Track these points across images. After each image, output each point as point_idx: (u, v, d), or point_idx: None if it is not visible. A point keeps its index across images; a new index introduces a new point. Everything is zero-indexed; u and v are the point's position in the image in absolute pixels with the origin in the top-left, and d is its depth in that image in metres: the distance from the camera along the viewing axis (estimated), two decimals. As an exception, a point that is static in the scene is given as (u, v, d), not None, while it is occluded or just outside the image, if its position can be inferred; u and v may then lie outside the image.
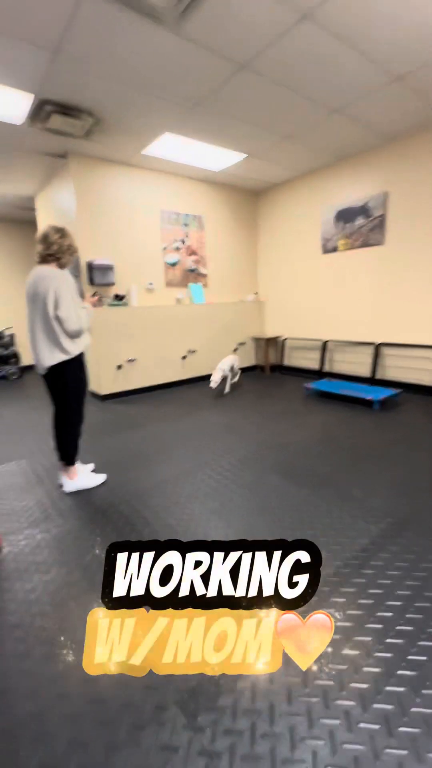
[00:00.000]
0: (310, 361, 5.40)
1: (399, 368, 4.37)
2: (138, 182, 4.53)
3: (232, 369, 4.59)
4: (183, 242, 5.03)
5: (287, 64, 2.65)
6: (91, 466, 2.60)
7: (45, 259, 2.12)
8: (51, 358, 2.10)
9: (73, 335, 2.13)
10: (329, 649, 1.23)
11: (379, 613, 1.36)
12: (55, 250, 2.10)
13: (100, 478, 2.43)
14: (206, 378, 5.31)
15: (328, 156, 4.39)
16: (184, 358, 5.07)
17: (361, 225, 4.45)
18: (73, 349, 2.15)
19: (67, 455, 2.31)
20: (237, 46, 2.45)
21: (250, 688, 1.12)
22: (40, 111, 3.12)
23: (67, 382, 2.18)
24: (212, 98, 3.06)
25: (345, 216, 4.60)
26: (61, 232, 2.12)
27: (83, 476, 2.38)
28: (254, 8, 2.13)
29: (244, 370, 5.82)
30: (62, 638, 1.32)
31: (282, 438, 3.09)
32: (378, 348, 4.52)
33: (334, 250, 4.79)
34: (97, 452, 2.95)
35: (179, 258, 5.03)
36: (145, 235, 4.68)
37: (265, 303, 5.98)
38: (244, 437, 3.14)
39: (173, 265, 4.99)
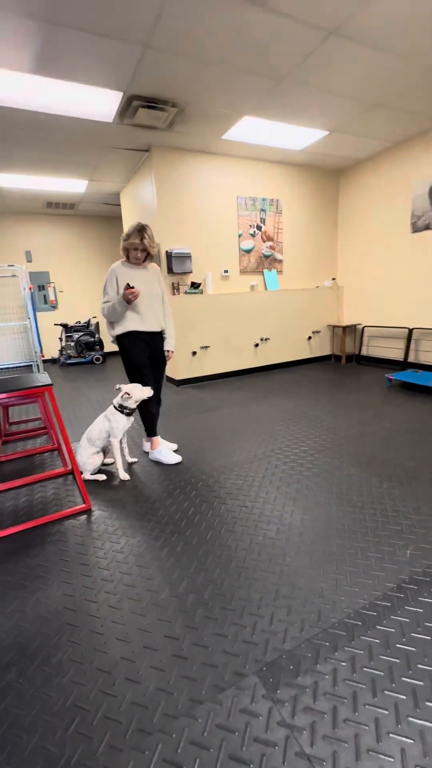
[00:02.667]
0: (392, 351, 5.01)
1: None
2: (215, 169, 4.55)
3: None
4: (259, 228, 4.96)
5: (381, 24, 2.42)
6: (174, 446, 2.75)
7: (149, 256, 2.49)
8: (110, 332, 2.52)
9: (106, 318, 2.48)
10: (416, 649, 1.15)
11: None
12: (122, 246, 2.46)
13: (176, 458, 2.56)
14: (279, 367, 5.23)
15: (423, 121, 3.95)
16: (256, 345, 5.05)
17: (461, 197, 3.95)
18: (113, 331, 2.49)
19: (146, 427, 2.58)
20: (326, 12, 2.30)
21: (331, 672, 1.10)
22: (129, 107, 3.28)
23: (121, 355, 2.52)
24: (296, 72, 2.92)
25: (441, 188, 4.12)
26: (129, 229, 2.38)
27: (164, 450, 2.58)
28: (350, -37, 1.97)
29: (318, 359, 5.62)
30: (148, 596, 1.42)
31: (360, 428, 2.92)
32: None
33: (427, 227, 4.34)
34: (173, 431, 3.09)
35: (254, 244, 4.98)
36: (221, 222, 4.70)
37: (343, 288, 5.66)
38: (319, 425, 3.03)
39: (248, 251, 4.96)
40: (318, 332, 5.56)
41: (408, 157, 4.43)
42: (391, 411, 3.30)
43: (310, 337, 5.49)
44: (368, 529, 1.74)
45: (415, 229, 4.47)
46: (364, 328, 5.40)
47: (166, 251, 4.39)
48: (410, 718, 0.97)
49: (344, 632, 1.22)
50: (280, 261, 5.22)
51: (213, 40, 2.51)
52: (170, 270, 4.41)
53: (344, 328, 5.35)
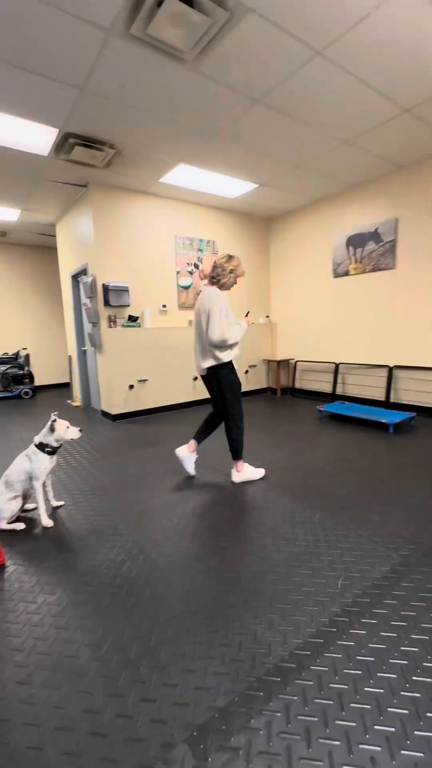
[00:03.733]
0: (322, 384, 5.35)
1: (413, 392, 4.28)
2: (154, 209, 4.70)
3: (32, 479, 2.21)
4: (196, 266, 5.15)
5: (299, 98, 2.77)
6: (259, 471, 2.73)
7: (210, 280, 2.56)
8: (204, 362, 2.53)
9: (216, 345, 2.44)
10: (348, 686, 1.13)
11: (403, 648, 1.26)
12: (218, 273, 2.51)
13: (261, 472, 2.70)
14: (217, 399, 5.29)
15: (339, 183, 4.52)
16: (195, 379, 5.08)
17: (372, 250, 4.50)
18: (224, 357, 2.48)
19: (235, 450, 2.63)
20: (251, 82, 2.58)
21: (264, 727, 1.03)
22: (65, 143, 3.31)
23: (221, 382, 2.53)
24: (227, 131, 3.20)
25: (356, 241, 4.67)
26: (228, 256, 2.53)
27: (248, 469, 2.68)
28: (268, 47, 2.26)
29: (255, 392, 5.80)
30: (65, 664, 1.25)
31: (294, 459, 3.01)
32: (391, 371, 4.46)
33: (346, 274, 4.84)
34: (105, 471, 2.91)
35: (192, 281, 5.13)
36: (160, 259, 4.81)
37: (276, 326, 6.02)
38: (256, 457, 3.07)
39: (186, 288, 5.09)
40: (254, 366, 5.78)
41: (328, 212, 4.99)
42: (322, 441, 3.46)
43: (247, 371, 5.68)
44: (302, 562, 1.74)
45: (336, 274, 4.96)
46: (296, 362, 5.73)
47: (103, 284, 4.34)
48: (344, 767, 0.94)
49: (279, 678, 1.17)
50: (217, 298, 5.42)
51: (148, 94, 2.66)
52: (107, 303, 4.34)
53: (278, 362, 5.63)
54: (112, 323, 4.42)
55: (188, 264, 5.07)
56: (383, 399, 4.55)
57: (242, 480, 2.64)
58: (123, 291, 4.40)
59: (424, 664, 1.20)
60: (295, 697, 1.11)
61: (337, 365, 5.09)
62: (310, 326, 5.45)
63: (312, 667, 1.20)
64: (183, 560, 1.78)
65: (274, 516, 2.15)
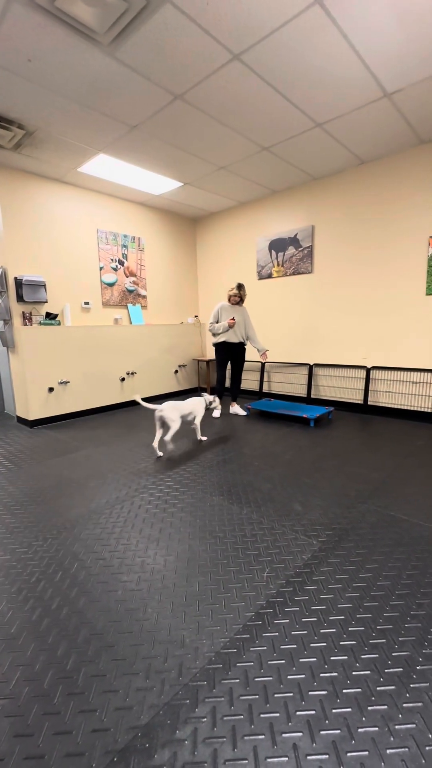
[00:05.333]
0: (250, 383, 5.52)
1: (331, 387, 4.62)
2: (73, 200, 4.42)
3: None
4: (121, 263, 4.96)
5: (220, 99, 2.80)
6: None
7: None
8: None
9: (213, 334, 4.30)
10: (272, 677, 1.15)
11: (322, 630, 1.33)
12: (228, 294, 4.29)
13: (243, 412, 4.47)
14: (147, 401, 5.15)
15: (261, 189, 4.69)
16: (122, 380, 4.89)
17: (292, 254, 4.76)
18: (215, 339, 4.31)
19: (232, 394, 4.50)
20: (171, 76, 2.54)
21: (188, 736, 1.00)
22: (-37, 117, 2.93)
23: (215, 354, 4.39)
24: (148, 124, 3.12)
25: (277, 246, 4.89)
26: (235, 285, 4.27)
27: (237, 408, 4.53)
28: (186, 43, 2.24)
29: (186, 392, 5.77)
30: None
31: (223, 456, 3.04)
32: (312, 369, 4.76)
33: (269, 276, 5.05)
34: (22, 482, 2.65)
35: (117, 278, 4.93)
36: (80, 253, 4.53)
37: (205, 325, 6.06)
38: (185, 458, 3.04)
39: (111, 285, 4.87)
40: (184, 366, 5.75)
41: (251, 215, 5.16)
42: (250, 437, 3.55)
43: (176, 371, 5.63)
44: (229, 558, 1.75)
45: (260, 277, 5.16)
46: (225, 362, 5.83)
47: (15, 278, 3.95)
48: (268, 759, 0.94)
49: (205, 681, 1.15)
50: (144, 296, 5.29)
51: (60, 73, 2.47)
52: (20, 298, 3.96)
53: (207, 362, 5.67)
54: (27, 321, 4.05)
55: (112, 260, 4.85)
56: (305, 395, 4.84)
57: (233, 412, 4.47)
58: (39, 285, 4.06)
59: (341, 643, 1.27)
60: (222, 698, 1.10)
61: (263, 364, 5.28)
62: (238, 326, 5.58)
63: (238, 664, 1.20)
64: (106, 571, 1.67)
65: (203, 515, 2.14)
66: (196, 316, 6.05)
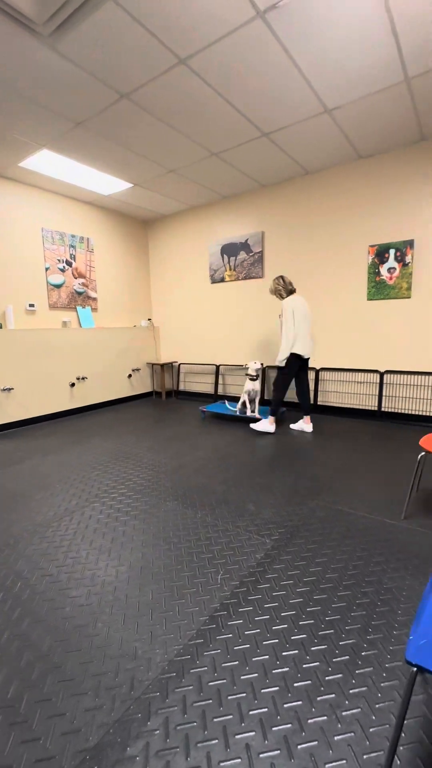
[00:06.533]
0: (206, 386, 5.54)
1: (283, 389, 4.76)
2: (14, 196, 4.18)
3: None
4: (69, 264, 4.77)
5: (168, 102, 2.80)
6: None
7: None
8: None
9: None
10: (226, 680, 1.15)
11: (275, 627, 1.35)
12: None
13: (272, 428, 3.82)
14: (100, 406, 4.99)
15: (212, 193, 4.74)
16: (72, 385, 4.69)
17: (243, 259, 4.85)
18: (288, 351, 3.67)
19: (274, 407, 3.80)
20: (117, 75, 2.49)
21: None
22: None
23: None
24: (95, 122, 3.03)
25: (229, 250, 4.97)
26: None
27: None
28: (132, 43, 2.21)
29: (140, 396, 5.66)
30: None
31: (178, 460, 3.02)
32: (264, 371, 4.88)
33: (222, 280, 5.11)
34: (-42, 499, 2.44)
35: (65, 279, 4.73)
36: (23, 252, 4.29)
37: (159, 329, 5.99)
38: (138, 464, 2.97)
39: (58, 286, 4.66)
40: (138, 370, 5.64)
41: (203, 219, 5.19)
42: (204, 440, 3.56)
43: (130, 375, 5.51)
44: (184, 563, 1.73)
45: (213, 280, 5.20)
46: (180, 365, 5.81)
47: None
48: (221, 764, 0.94)
49: (158, 692, 1.12)
50: (95, 299, 5.12)
51: (-4, 61, 2.33)
52: None
53: (162, 365, 5.62)
54: (-37, 323, 3.75)
55: (59, 261, 4.65)
56: (260, 397, 4.94)
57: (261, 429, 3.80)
58: (-23, 286, 3.78)
59: (292, 637, 1.31)
60: (175, 707, 1.08)
61: (217, 367, 5.33)
62: (192, 329, 5.59)
63: (192, 671, 1.19)
64: (53, 588, 1.58)
65: (157, 521, 2.10)
66: (149, 319, 5.97)
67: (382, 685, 1.13)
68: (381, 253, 3.86)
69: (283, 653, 1.24)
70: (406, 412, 3.96)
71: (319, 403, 4.50)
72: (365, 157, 3.81)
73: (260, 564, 1.71)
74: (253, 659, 1.22)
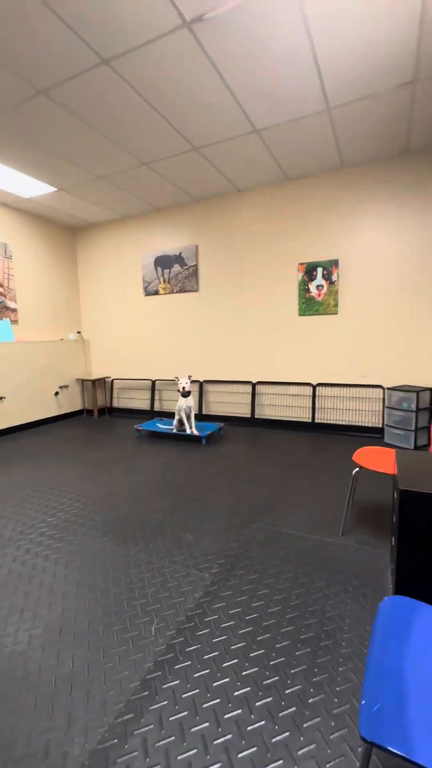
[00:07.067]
0: (142, 402, 5.30)
1: (221, 403, 4.72)
2: None
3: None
4: (-18, 270, 4.26)
5: (91, 103, 2.62)
6: None
7: None
8: None
9: None
10: (160, 764, 0.98)
11: (215, 684, 1.21)
12: None
13: None
14: (21, 428, 4.48)
15: (145, 204, 4.60)
16: (56, 394, 4.15)
17: (178, 272, 4.76)
18: None
19: None
20: (34, 69, 2.26)
21: None
22: None
23: None
24: (8, 116, 2.74)
25: (163, 263, 4.85)
26: None
27: None
28: (50, 37, 2.01)
29: (69, 415, 5.23)
30: None
31: (110, 488, 2.76)
32: (202, 385, 4.79)
33: (156, 293, 4.96)
34: None
35: (-23, 288, 4.22)
36: None
37: (89, 342, 5.63)
38: (64, 495, 2.66)
39: (-31, 295, 4.13)
40: (66, 387, 5.21)
41: (136, 230, 5.02)
42: (139, 463, 3.33)
43: (57, 393, 5.06)
44: (113, 615, 1.52)
45: (147, 293, 5.03)
46: (113, 380, 5.49)
47: None
48: None
49: (75, 800, 0.91)
50: (14, 310, 4.64)
51: None
52: None
53: (93, 381, 5.26)
54: None
55: (-30, 266, 4.14)
56: (197, 412, 4.83)
57: None
58: None
59: (235, 693, 1.17)
60: None
61: (153, 382, 5.13)
62: (126, 343, 5.33)
63: (119, 760, 1.00)
64: None
65: (83, 565, 1.85)
66: (79, 332, 5.58)
67: (331, 737, 1.04)
68: (310, 271, 4.02)
69: (225, 716, 1.10)
70: (338, 422, 4.12)
71: (256, 416, 4.51)
72: (293, 179, 3.96)
73: (199, 605, 1.56)
74: (192, 730, 1.07)
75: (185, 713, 1.11)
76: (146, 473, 3.07)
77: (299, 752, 1.00)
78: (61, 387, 5.12)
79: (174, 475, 3.00)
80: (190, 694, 1.17)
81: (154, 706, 1.14)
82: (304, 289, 4.08)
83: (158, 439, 4.11)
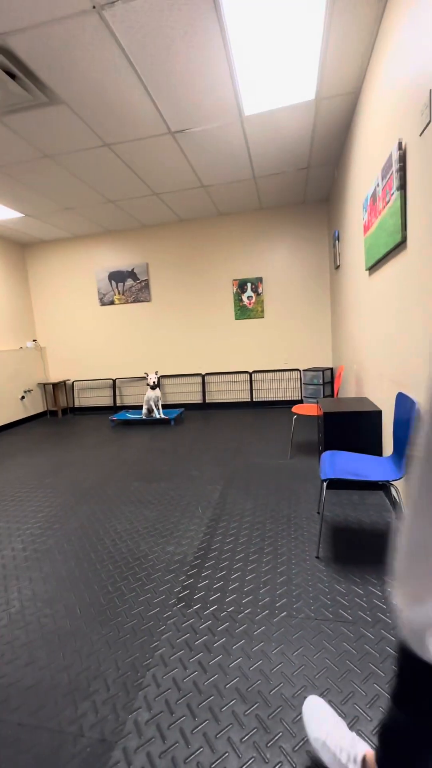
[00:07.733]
0: (103, 399, 5.97)
1: (176, 393, 5.70)
2: None
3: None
4: None
5: (82, 167, 3.39)
6: None
7: None
8: None
9: None
10: None
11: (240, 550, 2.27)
12: None
13: None
14: (-4, 431, 4.85)
15: (100, 228, 5.32)
16: (22, 398, 4.49)
17: (131, 285, 5.58)
18: None
19: None
20: (46, 142, 2.98)
21: None
22: None
23: None
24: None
25: (117, 277, 5.61)
26: None
27: None
28: (67, 130, 2.79)
29: (33, 417, 5.66)
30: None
31: (116, 461, 3.57)
32: (159, 379, 5.70)
33: (112, 303, 5.70)
34: None
35: None
36: None
37: (46, 349, 6.08)
38: (82, 469, 3.40)
39: None
40: (30, 391, 5.64)
41: (89, 248, 5.67)
42: (126, 443, 4.15)
43: (23, 397, 5.47)
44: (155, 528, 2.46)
45: (103, 303, 5.73)
46: (74, 382, 6.05)
47: None
48: None
49: None
50: (-21, 322, 4.96)
51: None
52: None
53: (54, 384, 5.77)
54: None
55: None
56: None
57: None
58: None
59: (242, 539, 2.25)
60: None
61: (114, 380, 5.86)
62: (84, 348, 5.94)
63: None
64: None
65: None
66: (34, 340, 5.99)
67: (297, 549, 2.18)
68: (242, 285, 5.25)
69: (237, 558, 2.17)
70: (270, 399, 5.44)
71: (207, 401, 5.61)
72: (225, 214, 5.13)
73: (219, 499, 2.59)
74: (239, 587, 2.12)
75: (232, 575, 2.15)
76: (138, 447, 3.93)
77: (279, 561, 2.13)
78: (26, 391, 5.53)
79: (162, 446, 3.93)
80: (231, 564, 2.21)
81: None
82: (238, 299, 5.29)
83: (131, 426, 4.93)
